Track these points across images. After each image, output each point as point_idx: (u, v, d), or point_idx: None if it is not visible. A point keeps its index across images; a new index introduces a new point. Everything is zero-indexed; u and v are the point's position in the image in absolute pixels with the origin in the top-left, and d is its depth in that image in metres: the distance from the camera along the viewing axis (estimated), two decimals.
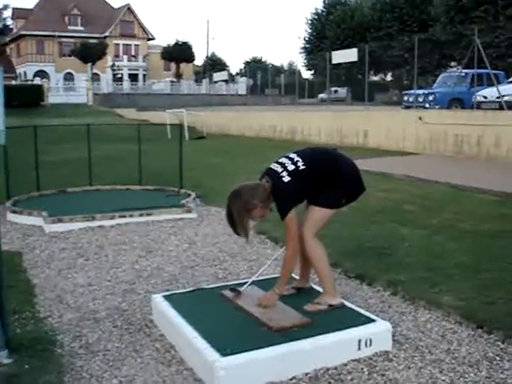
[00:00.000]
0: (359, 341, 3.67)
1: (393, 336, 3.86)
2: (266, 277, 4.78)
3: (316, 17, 60.32)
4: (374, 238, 6.61)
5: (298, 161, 4.06)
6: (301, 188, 4.02)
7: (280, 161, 4.14)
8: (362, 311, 4.05)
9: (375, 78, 55.36)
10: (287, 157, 4.15)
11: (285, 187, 3.96)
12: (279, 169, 4.04)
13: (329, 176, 4.12)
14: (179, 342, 3.80)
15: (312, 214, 4.15)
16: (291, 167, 4.02)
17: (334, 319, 3.86)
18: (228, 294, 4.31)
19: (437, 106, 19.32)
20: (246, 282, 4.51)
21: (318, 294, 4.31)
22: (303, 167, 4.02)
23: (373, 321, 3.84)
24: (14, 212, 8.05)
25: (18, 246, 6.70)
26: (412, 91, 21.86)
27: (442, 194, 9.55)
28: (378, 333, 3.76)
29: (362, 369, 3.56)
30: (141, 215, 7.87)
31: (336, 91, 48.90)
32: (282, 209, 3.96)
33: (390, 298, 4.81)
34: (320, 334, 3.60)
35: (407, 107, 20.74)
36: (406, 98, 21.80)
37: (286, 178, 3.96)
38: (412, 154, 15.81)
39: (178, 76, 66.11)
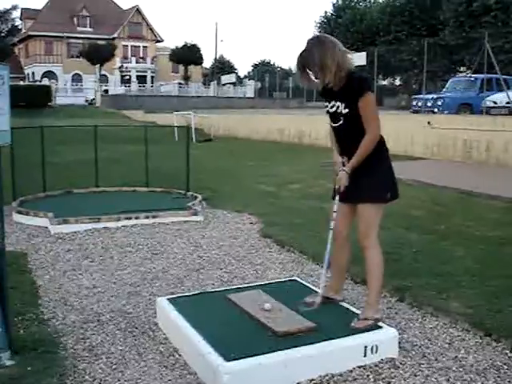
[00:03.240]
0: (365, 347, 3.62)
1: (399, 343, 3.82)
2: (271, 281, 4.75)
3: (325, 20, 60.20)
4: (381, 242, 6.53)
5: None
6: None
7: None
8: None
9: (384, 82, 55.21)
10: None
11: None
12: None
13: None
14: (183, 346, 3.76)
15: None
16: None
17: (340, 325, 3.82)
18: (233, 297, 4.26)
19: (446, 111, 19.24)
20: (252, 286, 4.48)
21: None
22: None
23: (379, 327, 3.80)
24: (20, 212, 8.03)
25: (23, 246, 6.68)
26: (421, 96, 21.82)
27: (450, 199, 9.49)
28: (385, 339, 3.71)
29: (368, 376, 3.51)
30: (147, 217, 7.84)
31: None
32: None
33: (397, 304, 4.76)
34: (326, 340, 3.55)
35: (416, 112, 20.69)
36: (414, 103, 21.74)
37: None
38: (420, 159, 15.73)
39: (186, 78, 66.16)
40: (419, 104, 20.95)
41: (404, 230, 7.21)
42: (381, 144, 3.94)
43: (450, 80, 23.68)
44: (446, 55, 38.92)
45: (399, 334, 3.85)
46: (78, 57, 65.20)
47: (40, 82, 59.12)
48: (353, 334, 3.65)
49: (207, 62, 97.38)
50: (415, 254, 6.08)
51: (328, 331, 3.69)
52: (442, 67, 38.52)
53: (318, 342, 3.53)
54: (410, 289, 4.94)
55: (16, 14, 79.69)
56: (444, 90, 22.42)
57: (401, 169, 13.28)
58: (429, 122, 16.16)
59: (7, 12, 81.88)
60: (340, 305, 4.24)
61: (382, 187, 3.95)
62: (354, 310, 4.16)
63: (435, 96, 21.06)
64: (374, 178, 3.91)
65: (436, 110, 19.79)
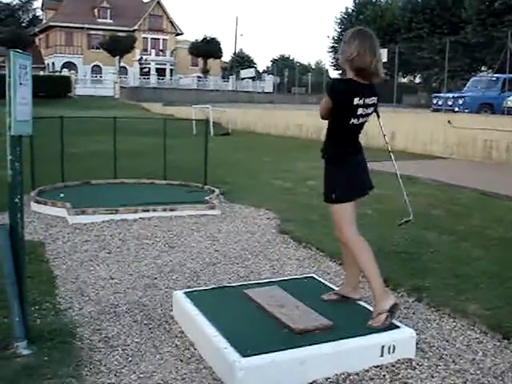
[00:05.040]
0: (382, 347, 3.59)
1: (416, 343, 3.78)
2: (288, 277, 4.73)
3: (346, 16, 59.98)
4: (398, 242, 6.51)
5: None
6: None
7: None
8: None
9: (403, 80, 54.90)
10: None
11: None
12: None
13: None
14: (199, 340, 3.75)
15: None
16: None
17: (357, 324, 3.78)
18: (250, 292, 4.25)
19: (466, 110, 19.07)
20: (269, 282, 4.46)
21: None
22: None
23: (397, 327, 3.76)
24: (38, 202, 8.07)
25: (41, 236, 6.71)
26: (441, 94, 21.63)
27: (469, 199, 9.40)
28: (402, 340, 3.67)
29: (384, 376, 3.48)
30: (164, 210, 7.84)
31: None
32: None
33: (415, 304, 4.71)
34: (342, 339, 3.53)
35: (436, 110, 20.53)
36: (435, 101, 21.57)
37: None
38: (439, 158, 15.64)
39: (205, 72, 66.27)
40: (439, 102, 20.78)
41: (422, 229, 7.15)
42: (338, 147, 3.95)
43: (472, 79, 23.48)
44: (467, 54, 38.60)
45: (416, 334, 3.81)
46: (98, 48, 65.56)
47: (60, 72, 59.58)
48: (370, 334, 3.62)
49: (226, 56, 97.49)
50: (433, 254, 6.03)
51: (345, 329, 3.66)
52: (462, 66, 38.22)
53: (335, 340, 3.50)
54: (428, 289, 4.90)
55: (37, 4, 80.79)
56: (465, 88, 22.23)
57: (419, 168, 13.31)
58: (449, 121, 16.03)
59: (28, 2, 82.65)
60: (357, 303, 4.21)
61: (327, 188, 3.99)
62: (371, 308, 4.12)
63: (456, 95, 20.88)
64: (325, 179, 4.03)
65: (456, 108, 19.62)
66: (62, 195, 8.33)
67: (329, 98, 3.77)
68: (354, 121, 3.79)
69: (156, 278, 5.25)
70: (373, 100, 3.86)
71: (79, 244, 6.40)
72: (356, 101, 3.72)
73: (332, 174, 3.97)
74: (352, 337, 3.57)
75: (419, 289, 4.92)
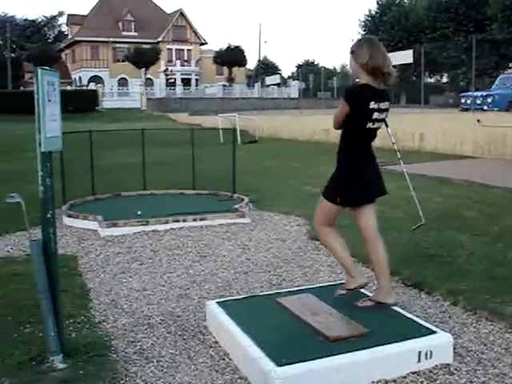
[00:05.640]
0: (419, 353, 3.53)
1: (454, 348, 3.71)
2: (321, 284, 4.69)
3: (369, 18, 59.70)
4: (432, 244, 6.43)
5: None
6: None
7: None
8: (422, 322, 3.91)
9: (430, 80, 54.39)
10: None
11: None
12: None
13: None
14: (234, 350, 3.74)
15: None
16: None
17: (393, 330, 3.73)
18: (283, 300, 4.22)
19: (495, 109, 18.78)
20: (301, 290, 4.43)
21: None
22: None
23: (433, 332, 3.70)
24: (70, 216, 8.16)
25: (73, 249, 6.78)
26: (470, 93, 21.36)
27: (502, 199, 9.25)
28: (439, 345, 3.61)
29: (422, 382, 3.42)
30: (194, 220, 7.87)
31: None
32: None
33: (450, 307, 4.64)
34: (378, 345, 3.48)
35: (465, 109, 20.26)
36: (463, 101, 21.29)
37: None
38: (470, 158, 15.43)
39: (230, 80, 66.52)
40: (468, 102, 20.52)
41: (455, 231, 7.06)
42: (350, 152, 4.08)
43: (499, 77, 23.11)
44: (493, 51, 38.11)
45: (453, 338, 3.75)
46: (123, 61, 66.27)
47: (87, 86, 60.32)
48: (406, 339, 3.57)
49: (251, 64, 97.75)
50: (468, 256, 5.93)
51: (380, 336, 3.61)
52: (490, 64, 37.71)
53: (371, 347, 3.45)
54: (464, 292, 4.81)
55: (62, 20, 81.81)
56: (493, 86, 21.90)
57: (450, 168, 13.15)
58: (478, 120, 15.82)
59: (54, 18, 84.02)
60: (391, 308, 4.15)
61: (333, 190, 4.13)
62: (405, 313, 4.08)
63: (484, 93, 20.59)
64: (333, 179, 4.16)
65: (485, 107, 19.33)
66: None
67: (346, 103, 3.88)
68: (369, 125, 3.93)
69: (188, 289, 5.26)
70: (386, 105, 3.99)
71: (111, 256, 6.45)
72: (372, 104, 3.87)
73: (341, 177, 4.11)
74: (388, 343, 3.52)
75: (454, 292, 4.84)
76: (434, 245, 6.42)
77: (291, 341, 3.60)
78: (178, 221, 7.79)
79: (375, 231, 4.25)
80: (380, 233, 6.46)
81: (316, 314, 3.88)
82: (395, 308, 4.19)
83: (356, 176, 4.04)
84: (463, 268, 5.52)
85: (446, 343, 3.65)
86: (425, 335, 3.64)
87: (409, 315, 4.04)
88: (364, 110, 3.86)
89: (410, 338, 3.59)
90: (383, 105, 3.95)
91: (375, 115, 3.90)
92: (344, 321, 3.80)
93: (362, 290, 4.41)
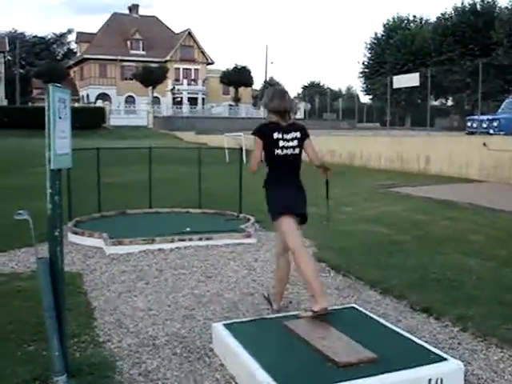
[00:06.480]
0: (429, 380, 3.46)
1: (464, 376, 3.65)
2: (330, 308, 4.61)
3: (375, 41, 60.05)
4: (439, 268, 6.37)
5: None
6: None
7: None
8: (432, 348, 3.84)
9: (435, 103, 54.53)
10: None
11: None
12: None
13: None
14: (241, 374, 3.67)
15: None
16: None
17: (403, 355, 3.67)
18: (291, 324, 4.17)
19: (502, 132, 18.75)
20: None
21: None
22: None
23: (444, 359, 3.63)
24: (75, 233, 8.12)
25: (78, 267, 6.74)
26: (476, 117, 21.34)
27: (509, 223, 9.19)
28: (450, 372, 3.55)
29: None
30: (200, 239, 7.83)
31: None
32: None
33: (460, 334, 4.57)
34: (388, 372, 3.41)
35: (471, 133, 20.23)
36: (469, 124, 21.26)
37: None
38: (476, 182, 15.38)
39: (237, 100, 66.77)
40: (474, 125, 20.50)
41: (462, 255, 7.00)
42: (268, 176, 4.91)
43: (506, 100, 23.09)
44: (499, 75, 38.22)
45: (464, 365, 3.68)
46: (131, 79, 66.61)
47: (94, 103, 60.57)
48: (416, 366, 3.50)
49: (257, 84, 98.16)
50: (476, 280, 5.87)
51: (389, 362, 3.55)
52: (495, 87, 37.80)
53: (381, 373, 3.39)
54: (473, 318, 4.75)
55: (71, 37, 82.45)
56: (499, 110, 21.88)
57: (455, 192, 13.11)
58: (484, 144, 15.80)
59: (63, 35, 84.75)
60: (401, 334, 4.09)
61: (269, 210, 4.92)
62: (414, 339, 4.02)
63: (490, 117, 20.55)
64: None
65: (492, 131, 19.29)
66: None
67: (257, 137, 4.77)
68: (278, 151, 4.74)
69: (194, 309, 5.20)
70: (293, 135, 4.78)
71: (117, 275, 6.40)
72: (276, 135, 4.72)
73: (268, 200, 4.93)
74: (398, 370, 3.45)
75: (464, 318, 4.78)
76: (442, 269, 6.36)
77: (299, 365, 3.54)
78: (183, 240, 7.75)
79: (297, 246, 4.68)
80: (386, 256, 6.49)
81: (324, 339, 3.82)
82: (404, 333, 4.13)
83: (271, 195, 4.87)
84: (471, 293, 5.46)
85: (457, 371, 3.58)
86: (435, 362, 3.58)
87: (418, 341, 3.98)
88: (270, 140, 4.71)
89: (420, 365, 3.52)
90: (288, 135, 4.74)
91: (281, 143, 4.71)
92: (353, 346, 3.73)
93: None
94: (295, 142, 4.78)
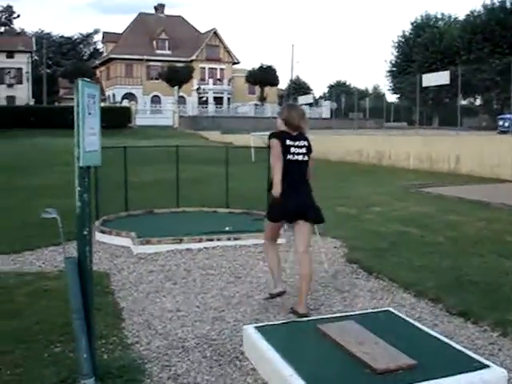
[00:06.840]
0: None
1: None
2: (363, 311, 4.48)
3: (403, 40, 59.45)
4: (475, 271, 6.17)
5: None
6: None
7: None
8: (473, 355, 3.67)
9: (463, 102, 53.81)
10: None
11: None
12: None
13: None
14: (274, 379, 3.53)
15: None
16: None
17: (443, 362, 3.51)
18: (325, 327, 4.02)
19: None
20: (344, 316, 4.22)
21: None
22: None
23: (486, 366, 3.46)
24: (103, 232, 8.06)
25: (106, 266, 6.67)
26: (508, 116, 20.95)
27: None
28: (493, 380, 3.38)
29: None
30: (228, 239, 7.71)
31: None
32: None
33: (500, 339, 4.39)
34: (428, 380, 3.25)
35: (503, 132, 19.86)
36: (501, 123, 20.90)
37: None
38: (508, 182, 15.04)
39: (262, 99, 66.64)
40: (506, 124, 20.13)
41: (499, 256, 6.79)
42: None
43: None
44: None
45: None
46: (157, 79, 66.90)
47: (120, 103, 60.90)
48: (458, 373, 3.33)
49: (283, 83, 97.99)
50: None
51: (430, 369, 3.39)
52: None
53: (421, 381, 3.22)
54: None
55: (98, 37, 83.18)
56: None
57: (488, 192, 12.83)
58: None
59: (89, 36, 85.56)
60: (439, 339, 3.92)
61: (268, 209, 5.32)
62: (453, 344, 3.85)
63: None
64: None
65: None
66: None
67: (275, 140, 5.02)
68: (290, 157, 5.01)
69: (223, 311, 5.09)
70: (302, 143, 5.10)
71: (144, 274, 6.32)
72: (288, 141, 5.02)
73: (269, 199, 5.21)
74: (438, 377, 3.29)
75: (503, 322, 4.60)
76: (477, 271, 6.17)
77: (336, 372, 3.39)
78: (211, 240, 7.64)
79: (302, 247, 5.06)
80: (420, 257, 6.30)
81: (361, 344, 3.65)
82: (442, 338, 3.97)
83: (275, 199, 5.04)
84: (510, 296, 5.27)
85: (501, 378, 3.42)
86: (477, 369, 3.41)
87: (457, 346, 3.81)
88: (283, 145, 4.99)
89: (462, 372, 3.36)
90: (299, 142, 5.07)
91: (292, 149, 5.01)
92: (391, 351, 3.57)
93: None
94: (304, 150, 5.11)
